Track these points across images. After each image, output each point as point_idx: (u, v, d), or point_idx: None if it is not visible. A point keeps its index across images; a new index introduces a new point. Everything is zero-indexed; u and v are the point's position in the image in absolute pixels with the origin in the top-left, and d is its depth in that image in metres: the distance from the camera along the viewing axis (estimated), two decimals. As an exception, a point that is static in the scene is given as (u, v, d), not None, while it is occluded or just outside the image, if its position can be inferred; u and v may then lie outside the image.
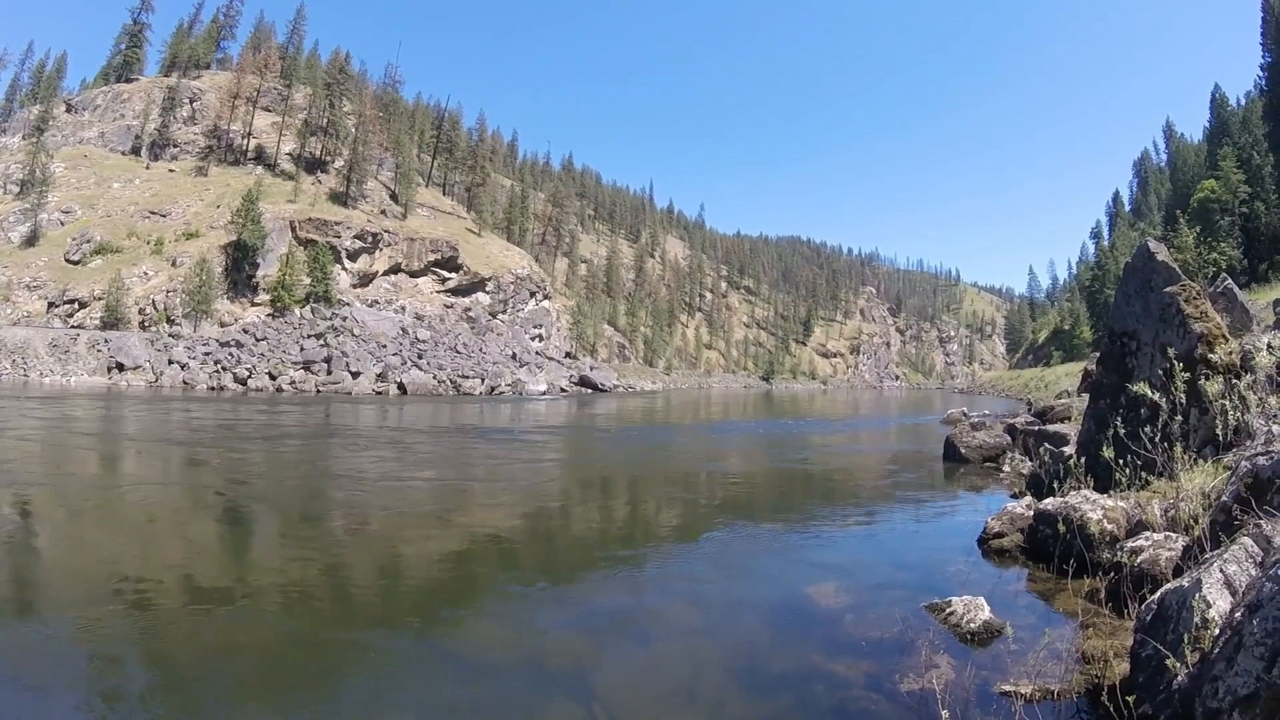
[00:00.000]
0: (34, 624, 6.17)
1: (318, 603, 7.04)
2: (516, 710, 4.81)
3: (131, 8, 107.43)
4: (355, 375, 57.42)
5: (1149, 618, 4.01)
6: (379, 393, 55.04)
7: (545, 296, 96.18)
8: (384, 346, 65.14)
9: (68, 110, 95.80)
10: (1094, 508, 6.87)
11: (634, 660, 5.76)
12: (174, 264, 66.52)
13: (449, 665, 5.67)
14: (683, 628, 6.46)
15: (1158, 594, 4.12)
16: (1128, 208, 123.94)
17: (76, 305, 61.97)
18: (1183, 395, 6.85)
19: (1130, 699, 3.54)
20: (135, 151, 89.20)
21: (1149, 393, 6.73)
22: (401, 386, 56.24)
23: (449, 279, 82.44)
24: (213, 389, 51.14)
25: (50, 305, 61.93)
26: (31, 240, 68.83)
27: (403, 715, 4.76)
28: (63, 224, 71.32)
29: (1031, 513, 7.89)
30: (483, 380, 63.06)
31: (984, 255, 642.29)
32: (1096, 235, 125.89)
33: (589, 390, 74.03)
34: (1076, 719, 4.23)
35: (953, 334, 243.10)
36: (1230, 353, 7.72)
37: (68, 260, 66.53)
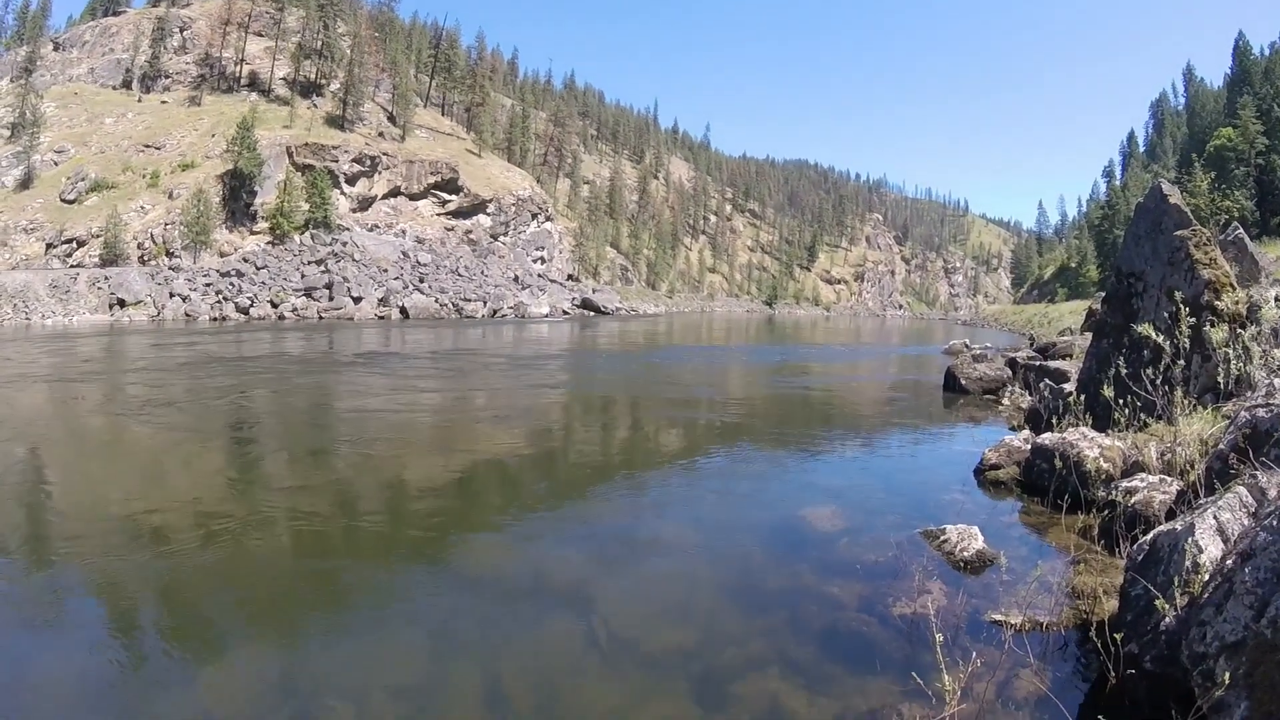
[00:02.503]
0: (46, 558, 6.26)
1: (324, 528, 7.16)
2: (519, 625, 4.91)
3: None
4: (357, 300, 57.52)
5: (1140, 558, 3.99)
6: (381, 317, 55.24)
7: (547, 218, 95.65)
8: (385, 271, 65.06)
9: (55, 49, 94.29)
10: (1091, 446, 6.86)
11: (632, 578, 5.86)
12: (171, 196, 65.98)
13: (453, 585, 5.79)
14: (679, 547, 6.55)
15: (1150, 535, 4.10)
16: (1142, 149, 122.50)
17: (75, 245, 61.58)
18: (1186, 340, 6.75)
19: (1118, 636, 3.53)
20: (126, 85, 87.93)
21: (1153, 335, 6.64)
22: (404, 310, 56.41)
23: (449, 201, 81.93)
24: (215, 320, 51.26)
25: (49, 246, 61.55)
26: (26, 183, 68.08)
27: (408, 632, 4.88)
28: (56, 164, 70.52)
29: (1029, 447, 7.88)
30: (484, 303, 63.18)
31: (994, 187, 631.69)
32: (1109, 174, 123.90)
33: (591, 313, 74.15)
34: (1064, 652, 4.28)
35: (958, 265, 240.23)
36: (1237, 302, 7.66)
37: (63, 200, 65.94)
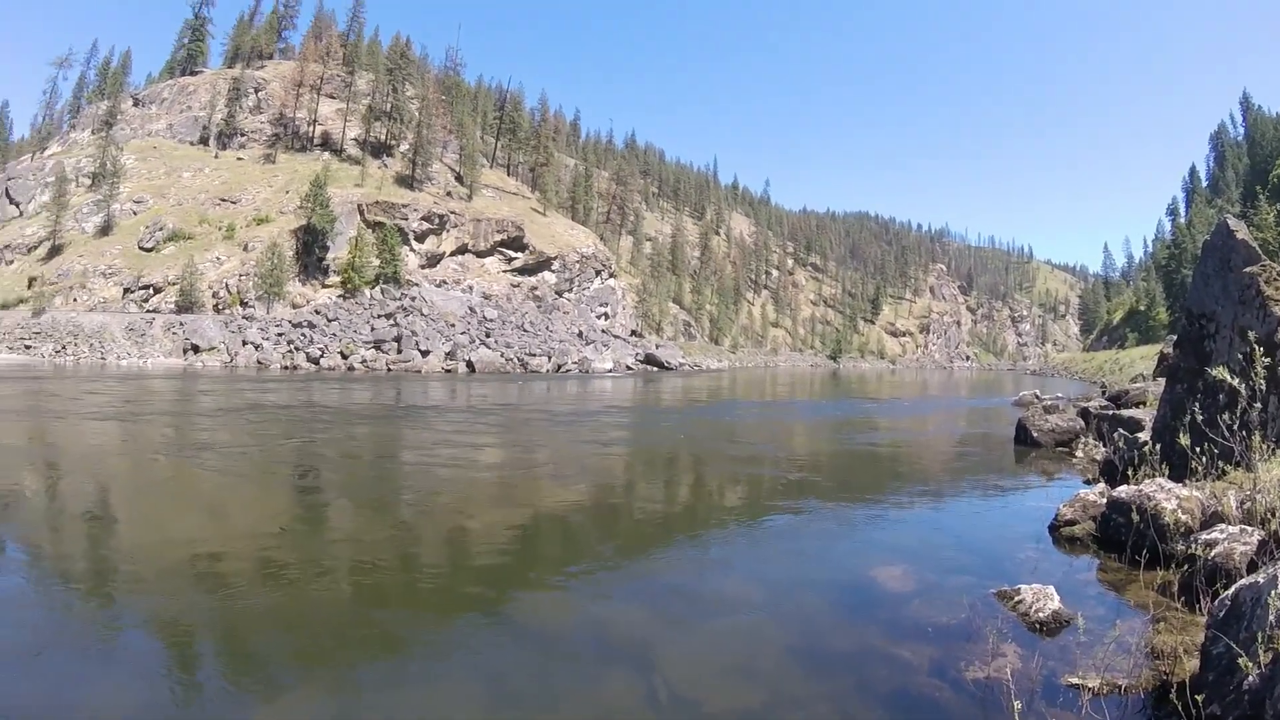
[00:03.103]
0: (107, 592, 6.37)
1: (385, 576, 7.18)
2: (578, 681, 4.86)
3: (193, 3, 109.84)
4: (425, 354, 58.28)
5: (1221, 614, 3.89)
6: (448, 370, 55.84)
7: (610, 275, 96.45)
8: (452, 325, 65.98)
9: (135, 104, 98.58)
10: (1168, 497, 6.64)
11: (695, 637, 5.73)
12: (246, 249, 68.20)
13: (513, 637, 5.73)
14: (744, 606, 6.42)
15: (1231, 589, 3.98)
16: (1205, 183, 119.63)
17: (151, 290, 63.85)
18: (1262, 381, 6.52)
19: (1199, 697, 3.44)
20: (203, 141, 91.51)
21: (1228, 378, 6.44)
22: (470, 364, 56.93)
23: (515, 258, 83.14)
24: (286, 368, 52.31)
25: (125, 291, 63.92)
26: (105, 230, 71.14)
27: (467, 683, 4.85)
28: (135, 213, 73.57)
29: (1104, 500, 7.63)
30: (549, 358, 63.57)
31: (1057, 232, 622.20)
32: (1173, 212, 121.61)
33: (655, 368, 74.16)
34: (1143, 715, 4.11)
35: (1025, 313, 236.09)
36: None
37: (141, 248, 68.62)
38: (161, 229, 70.04)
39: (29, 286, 63.84)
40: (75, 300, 62.25)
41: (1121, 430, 11.65)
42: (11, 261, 70.43)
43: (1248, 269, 7.92)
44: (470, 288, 76.92)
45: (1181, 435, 6.57)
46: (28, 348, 53.15)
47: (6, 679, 4.70)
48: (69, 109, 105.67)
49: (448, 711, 4.49)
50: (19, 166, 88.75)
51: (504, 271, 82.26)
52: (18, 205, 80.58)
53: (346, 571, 7.19)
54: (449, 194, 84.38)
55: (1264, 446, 6.33)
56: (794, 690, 4.78)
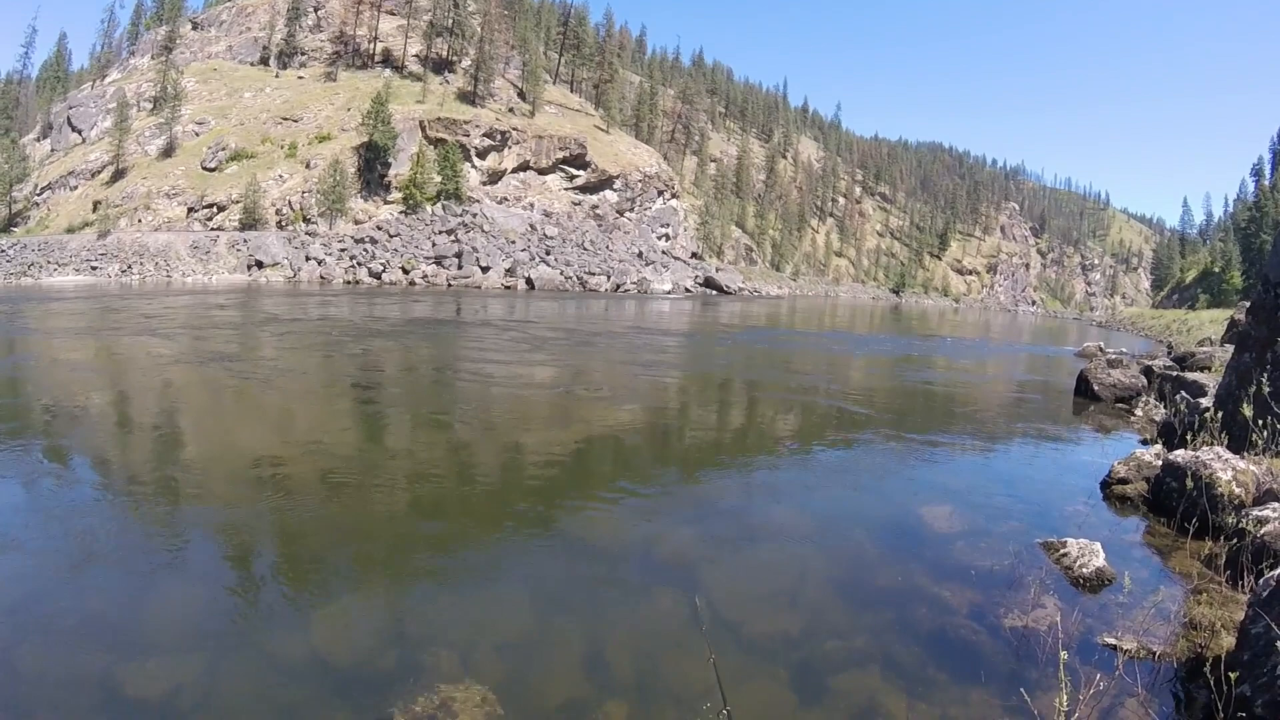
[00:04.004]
0: (175, 499, 6.67)
1: (440, 488, 7.43)
2: (624, 595, 5.01)
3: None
4: (485, 270, 58.76)
5: (1265, 594, 3.79)
6: (507, 287, 56.28)
7: (673, 195, 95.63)
8: (513, 243, 66.23)
9: (193, 28, 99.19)
10: (1225, 467, 6.44)
11: (739, 561, 5.85)
12: (308, 166, 68.80)
13: (562, 551, 5.91)
14: (790, 534, 6.52)
15: (1277, 571, 3.89)
16: None
17: (215, 209, 64.94)
18: None
19: (1232, 675, 3.38)
20: (264, 62, 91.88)
21: None
22: (529, 281, 57.31)
23: (577, 176, 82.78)
24: (348, 283, 53.16)
25: (189, 211, 65.09)
26: (168, 152, 72.16)
27: (515, 592, 5.02)
28: (197, 134, 74.52)
29: (1160, 462, 7.44)
30: (608, 277, 63.68)
31: (1136, 180, 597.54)
32: (1258, 172, 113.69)
33: (714, 292, 73.92)
34: (1174, 685, 4.09)
35: (1096, 262, 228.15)
36: None
37: (204, 168, 69.63)
38: (224, 149, 70.91)
39: (94, 210, 65.11)
40: (140, 221, 63.50)
41: (1184, 393, 11.40)
42: (76, 187, 71.92)
43: (1333, 239, 7.57)
44: (531, 205, 76.93)
45: (1245, 406, 6.41)
46: (94, 269, 54.36)
47: (80, 581, 4.94)
48: (127, 37, 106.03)
49: (498, 620, 4.63)
50: (80, 95, 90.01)
51: (565, 189, 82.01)
52: (80, 132, 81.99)
53: (403, 483, 7.46)
54: (511, 110, 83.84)
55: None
56: (834, 620, 4.88)
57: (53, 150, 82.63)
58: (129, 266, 55.13)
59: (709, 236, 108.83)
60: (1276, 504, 5.67)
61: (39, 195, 72.45)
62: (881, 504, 7.62)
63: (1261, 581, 3.94)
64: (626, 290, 62.75)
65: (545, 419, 11.27)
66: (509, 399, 12.66)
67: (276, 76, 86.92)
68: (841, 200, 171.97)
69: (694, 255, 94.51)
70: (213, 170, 69.45)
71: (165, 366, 14.50)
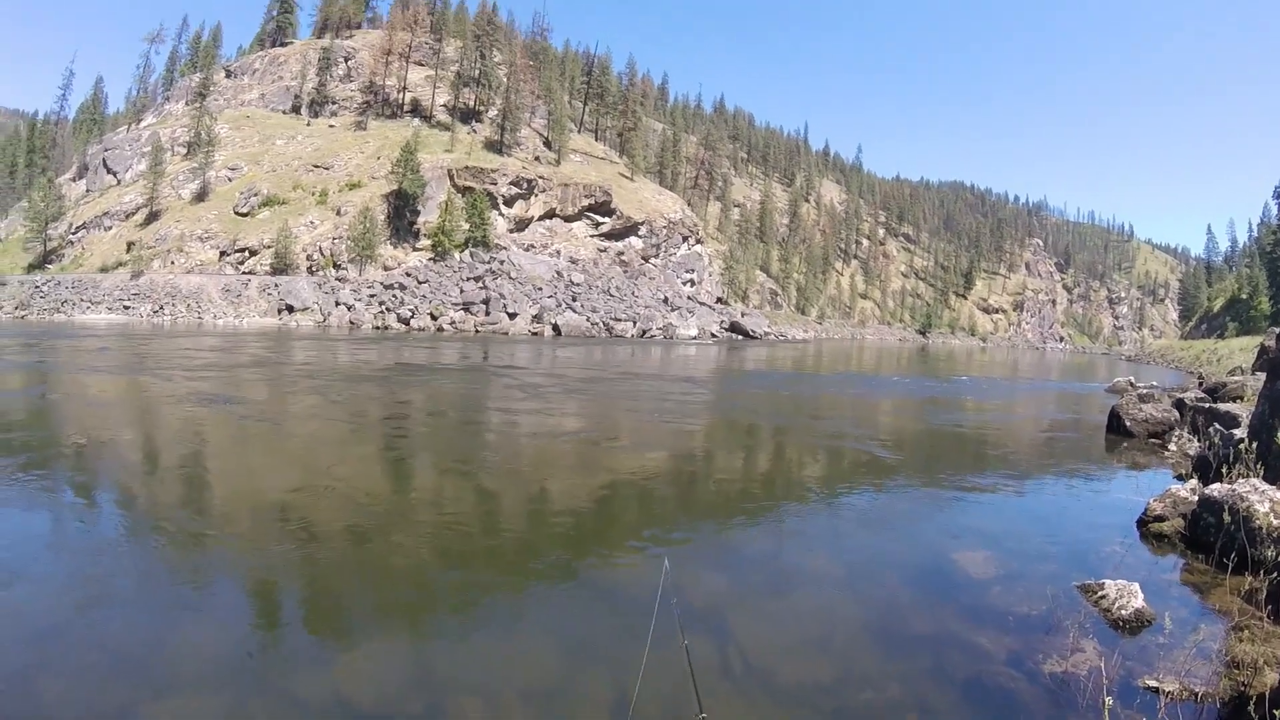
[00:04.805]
0: (200, 539, 6.63)
1: (466, 533, 7.34)
2: (653, 642, 4.83)
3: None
4: (512, 316, 59.07)
5: (1309, 628, 3.75)
6: (534, 333, 56.51)
7: (697, 241, 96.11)
8: (539, 289, 66.61)
9: (227, 76, 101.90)
10: (1262, 499, 6.32)
11: (770, 608, 5.76)
12: (338, 213, 69.91)
13: (588, 597, 5.85)
14: (822, 580, 6.44)
15: (1322, 602, 3.84)
16: None
17: (246, 253, 66.02)
18: None
19: (1276, 712, 3.33)
20: (295, 110, 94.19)
21: None
22: (556, 328, 57.53)
23: (602, 223, 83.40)
24: (377, 328, 53.57)
25: (222, 254, 66.23)
26: (201, 196, 73.86)
27: (542, 639, 4.96)
28: (230, 180, 76.21)
29: (1196, 497, 7.32)
30: (634, 323, 63.83)
31: (1160, 210, 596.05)
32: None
33: (739, 336, 73.98)
34: None
35: (1123, 295, 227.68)
36: None
37: (236, 213, 71.05)
38: (256, 194, 72.30)
39: (127, 251, 66.57)
40: (173, 263, 64.67)
41: (1217, 425, 11.27)
42: (110, 228, 73.60)
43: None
44: (558, 252, 77.48)
45: (1279, 435, 6.32)
46: (126, 308, 55.36)
47: (100, 619, 4.90)
48: (162, 82, 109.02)
49: (523, 665, 4.58)
50: (115, 138, 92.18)
51: (591, 236, 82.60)
52: (115, 174, 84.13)
53: (429, 528, 7.39)
54: (537, 159, 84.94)
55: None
56: (868, 669, 4.78)
57: (88, 191, 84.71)
58: (161, 307, 56.09)
59: (733, 281, 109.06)
60: (1317, 534, 5.60)
61: (74, 234, 74.19)
62: (914, 550, 7.50)
63: (1305, 616, 3.90)
64: (652, 336, 62.87)
65: (572, 466, 11.18)
66: (534, 445, 12.62)
67: (308, 124, 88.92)
68: (865, 242, 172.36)
69: (719, 300, 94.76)
70: (245, 215, 70.83)
71: (191, 406, 14.58)
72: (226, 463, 10.29)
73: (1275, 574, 5.35)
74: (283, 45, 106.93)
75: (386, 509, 8.04)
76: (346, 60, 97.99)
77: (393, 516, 7.73)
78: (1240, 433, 9.26)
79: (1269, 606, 5.22)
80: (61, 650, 4.46)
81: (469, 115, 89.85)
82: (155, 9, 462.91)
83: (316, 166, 77.83)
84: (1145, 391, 20.67)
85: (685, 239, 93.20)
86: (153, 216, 71.98)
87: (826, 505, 9.29)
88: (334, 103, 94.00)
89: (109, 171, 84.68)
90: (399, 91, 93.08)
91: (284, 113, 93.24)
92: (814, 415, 18.96)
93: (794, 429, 16.43)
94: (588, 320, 61.69)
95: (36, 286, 57.62)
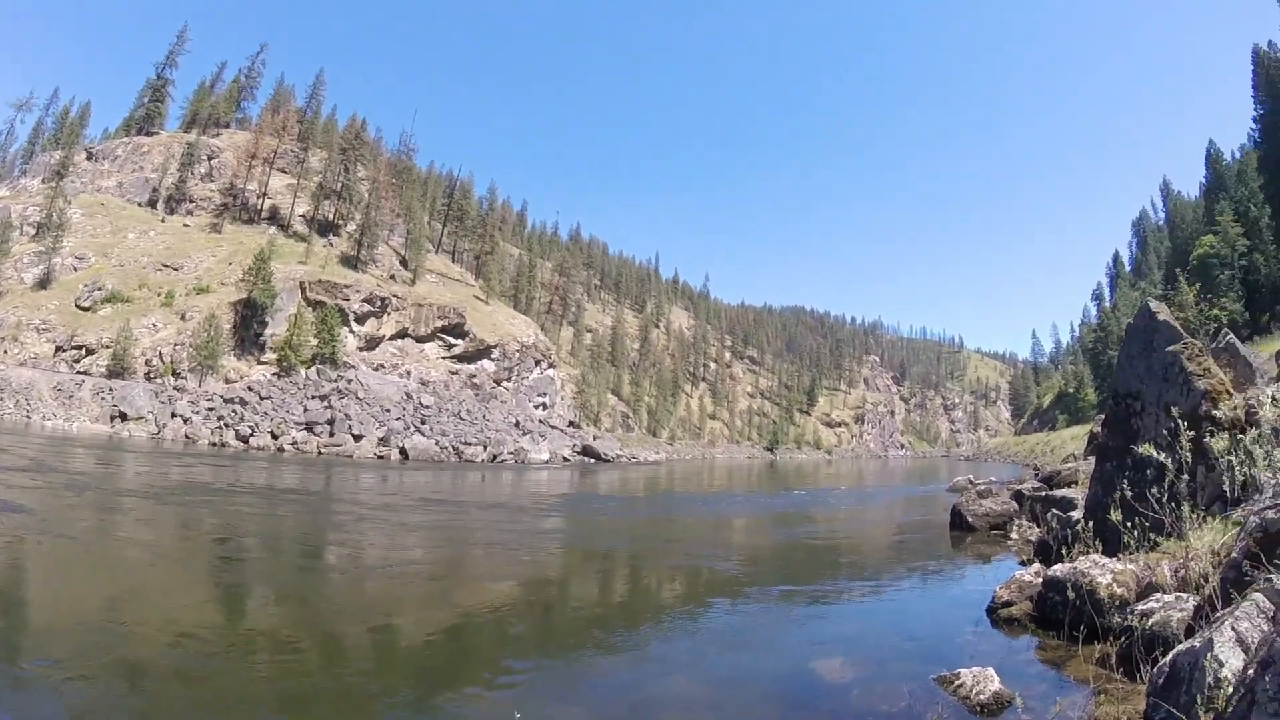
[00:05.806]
0: (25, 672, 6.20)
1: (306, 673, 6.99)
2: None
3: (156, 63, 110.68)
4: (358, 438, 57.34)
5: (1161, 680, 4.01)
6: (381, 457, 54.88)
7: (550, 365, 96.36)
8: (387, 410, 65.11)
9: (88, 158, 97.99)
10: (1103, 572, 6.84)
11: None
12: (183, 318, 67.21)
13: None
14: (685, 703, 6.44)
15: (1169, 656, 4.11)
16: (1128, 268, 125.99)
17: (84, 351, 62.50)
18: (1188, 454, 6.82)
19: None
20: (152, 204, 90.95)
21: (1154, 453, 6.76)
22: (404, 451, 56.12)
23: (455, 345, 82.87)
24: (214, 445, 50.98)
25: (58, 349, 62.50)
26: (44, 283, 69.82)
27: None
28: (76, 269, 72.48)
29: (1040, 580, 7.83)
30: (485, 447, 62.92)
31: (987, 321, 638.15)
32: (1098, 297, 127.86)
33: (592, 460, 73.77)
34: None
35: (957, 401, 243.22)
36: (1235, 408, 7.72)
37: (78, 306, 67.43)
38: (100, 289, 68.93)
39: (-44, 334, 61.92)
40: (5, 353, 60.57)
41: (1055, 510, 11.95)
42: (-54, 304, 68.46)
43: (1170, 348, 8.32)
44: (408, 373, 76.30)
45: (1113, 511, 6.81)
46: (-50, 398, 51.39)
47: None
48: (23, 154, 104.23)
49: None
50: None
51: (443, 358, 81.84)
52: (-40, 244, 78.59)
53: (264, 669, 6.99)
54: (392, 277, 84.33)
55: (1194, 516, 6.58)
56: None
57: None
58: (-14, 400, 52.19)
59: (586, 405, 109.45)
60: (1159, 594, 5.98)
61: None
62: (775, 662, 7.63)
63: (1156, 669, 4.16)
64: (504, 460, 62.06)
65: (421, 598, 10.75)
66: (381, 577, 12.18)
67: (162, 220, 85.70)
68: (713, 365, 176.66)
69: (571, 424, 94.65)
70: (87, 309, 67.11)
71: (16, 528, 13.53)
72: (45, 592, 9.56)
73: (1124, 638, 5.70)
74: (149, 134, 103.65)
75: (216, 647, 7.50)
76: (210, 159, 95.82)
77: (223, 655, 7.23)
78: (1077, 514, 9.87)
79: (1121, 668, 5.55)
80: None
81: (327, 228, 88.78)
82: (28, 74, 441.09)
83: (166, 266, 74.83)
84: (984, 488, 21.60)
85: (538, 363, 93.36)
86: (-9, 298, 67.52)
87: (685, 627, 9.33)
88: (192, 201, 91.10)
89: (-45, 240, 79.30)
90: (259, 197, 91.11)
91: (140, 205, 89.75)
92: (669, 538, 18.98)
93: (649, 552, 16.41)
94: (437, 444, 60.48)
95: None
